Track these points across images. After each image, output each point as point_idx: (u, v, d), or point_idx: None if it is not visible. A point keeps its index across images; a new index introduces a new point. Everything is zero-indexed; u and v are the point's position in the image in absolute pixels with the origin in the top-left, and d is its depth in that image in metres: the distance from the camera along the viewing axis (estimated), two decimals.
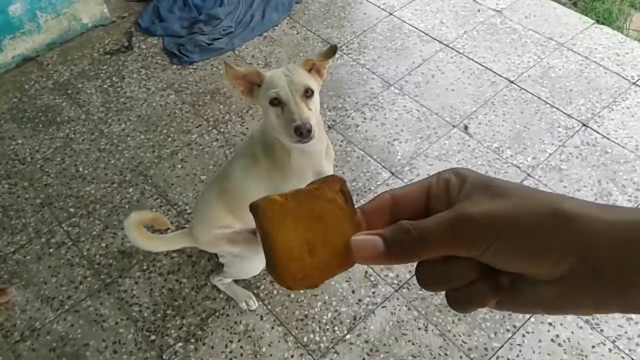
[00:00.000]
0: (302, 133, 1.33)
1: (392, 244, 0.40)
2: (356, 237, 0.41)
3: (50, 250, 2.18)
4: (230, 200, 1.74)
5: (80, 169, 2.44)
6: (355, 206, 0.44)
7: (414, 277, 1.86)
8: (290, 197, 0.42)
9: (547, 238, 0.36)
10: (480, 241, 0.37)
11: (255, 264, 1.92)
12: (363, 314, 1.95)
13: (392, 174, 2.35)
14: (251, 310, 1.99)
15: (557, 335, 1.87)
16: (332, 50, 1.47)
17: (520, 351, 1.84)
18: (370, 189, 2.30)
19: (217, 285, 2.03)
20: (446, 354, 1.84)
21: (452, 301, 0.41)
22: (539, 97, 2.60)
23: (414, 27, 3.01)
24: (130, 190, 2.35)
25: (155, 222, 1.99)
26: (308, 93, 1.40)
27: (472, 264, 0.39)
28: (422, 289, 1.94)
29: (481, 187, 0.40)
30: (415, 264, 0.42)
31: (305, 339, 1.90)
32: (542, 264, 0.37)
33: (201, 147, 2.50)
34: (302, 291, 2.01)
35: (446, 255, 0.39)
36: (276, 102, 1.39)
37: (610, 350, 1.83)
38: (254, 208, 0.42)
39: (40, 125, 2.64)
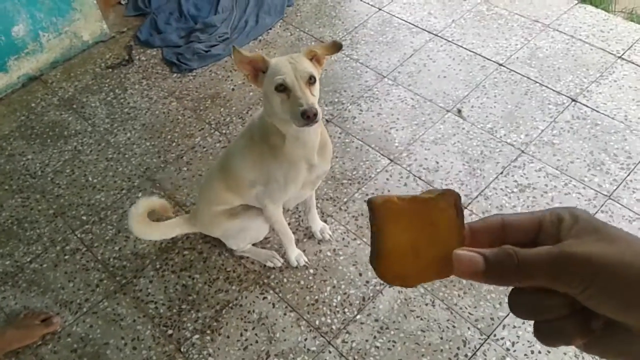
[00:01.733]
0: (309, 116, 1.40)
1: (492, 265, 0.41)
2: (460, 250, 0.43)
3: (66, 257, 2.25)
4: (229, 178, 1.84)
5: (90, 179, 2.53)
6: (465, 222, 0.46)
7: None
8: (407, 200, 0.45)
9: None
10: (578, 281, 0.38)
11: (257, 231, 2.05)
12: (371, 294, 2.01)
13: (391, 160, 2.42)
14: (277, 267, 2.11)
15: None
16: (337, 47, 1.54)
17: None
18: (370, 177, 2.37)
19: (242, 254, 2.16)
20: (454, 326, 1.90)
21: (540, 333, 0.42)
22: (528, 77, 2.67)
23: (403, 20, 3.09)
24: (139, 195, 2.42)
25: (160, 208, 2.05)
26: (311, 80, 1.47)
27: (566, 300, 0.39)
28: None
29: (592, 229, 0.40)
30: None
31: (317, 322, 1.96)
32: (637, 316, 0.37)
33: (205, 149, 2.59)
34: (309, 271, 2.08)
35: (543, 287, 0.40)
36: (282, 88, 1.45)
37: None
38: (371, 204, 0.45)
39: (49, 140, 2.73)
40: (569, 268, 0.38)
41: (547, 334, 0.42)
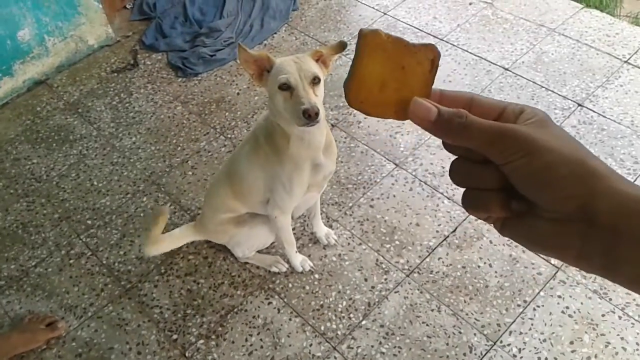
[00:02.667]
0: (310, 115, 1.39)
1: (443, 118, 0.45)
2: (419, 98, 0.47)
3: (71, 261, 2.25)
4: (235, 186, 1.83)
5: (95, 183, 2.53)
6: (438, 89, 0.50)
7: (424, 263, 1.94)
8: (392, 40, 0.48)
9: (566, 175, 0.41)
10: (511, 150, 0.42)
11: (264, 238, 2.05)
12: (377, 300, 2.01)
13: (396, 165, 2.41)
14: (282, 272, 2.11)
15: (567, 307, 1.92)
16: (342, 46, 1.54)
17: (532, 324, 1.89)
18: (375, 181, 2.36)
19: (246, 261, 2.15)
20: (460, 332, 1.89)
21: (467, 199, 0.47)
22: (534, 82, 2.66)
23: (408, 24, 3.09)
24: (144, 199, 2.43)
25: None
26: (315, 80, 1.47)
27: (497, 174, 0.44)
28: (431, 273, 1.99)
29: (542, 124, 0.44)
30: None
31: (322, 328, 1.95)
32: (552, 195, 0.41)
33: (210, 154, 2.58)
34: (314, 276, 2.07)
35: (480, 156, 0.45)
36: (285, 87, 1.45)
37: (620, 317, 1.87)
38: (361, 33, 0.48)
39: (54, 144, 2.73)
40: (506, 139, 0.42)
41: (473, 201, 0.46)
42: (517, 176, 0.43)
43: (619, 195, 0.40)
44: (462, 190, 0.47)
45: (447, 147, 0.48)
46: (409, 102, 0.47)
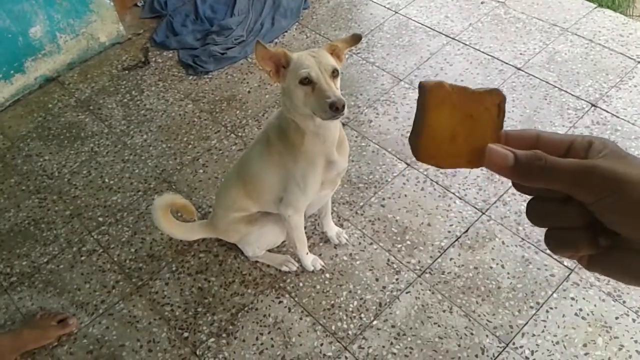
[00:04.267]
0: (338, 108, 1.38)
1: (522, 162, 0.44)
2: (494, 145, 0.46)
3: (82, 258, 2.25)
4: (247, 184, 1.83)
5: (106, 180, 2.53)
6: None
7: (436, 263, 1.93)
8: (457, 89, 0.48)
9: None
10: (598, 189, 0.41)
11: (275, 237, 2.05)
12: (388, 300, 2.00)
13: (408, 164, 2.40)
14: (292, 271, 2.11)
15: (581, 309, 1.90)
16: (356, 38, 1.54)
17: (545, 327, 1.87)
18: (387, 181, 2.35)
19: (257, 260, 2.16)
20: (472, 334, 1.88)
21: (551, 239, 0.46)
22: (547, 82, 2.65)
23: (419, 23, 3.08)
24: (156, 197, 2.42)
25: (183, 209, 2.08)
26: (335, 73, 1.46)
27: (582, 211, 0.43)
28: (444, 274, 1.98)
29: (618, 155, 0.43)
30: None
31: (333, 327, 1.95)
32: None
33: (221, 152, 2.58)
34: (325, 275, 2.07)
35: (559, 194, 0.44)
36: (306, 81, 1.44)
37: (634, 320, 1.86)
38: (422, 86, 0.48)
39: (66, 141, 2.74)
40: (593, 178, 0.41)
41: (558, 241, 0.45)
42: (609, 214, 0.42)
43: None
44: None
45: (520, 187, 0.47)
46: (482, 149, 0.47)
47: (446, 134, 0.48)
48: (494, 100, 0.48)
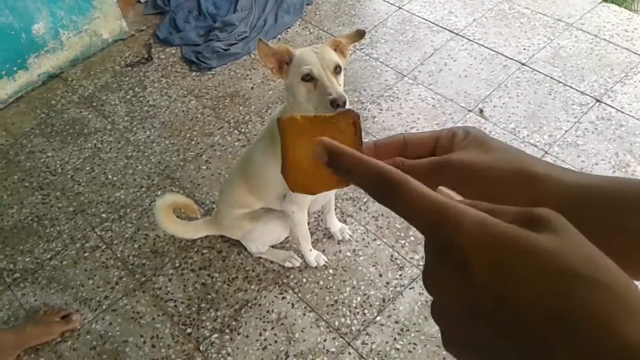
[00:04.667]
0: (339, 105, 1.38)
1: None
2: None
3: (86, 254, 2.25)
4: (251, 181, 1.82)
5: (110, 176, 2.53)
6: (370, 140, 0.50)
7: None
8: (309, 120, 0.49)
9: (504, 190, 0.41)
10: (455, 182, 0.41)
11: (278, 233, 2.04)
12: (391, 296, 2.00)
13: None
14: (295, 267, 2.10)
15: None
16: (360, 34, 1.53)
17: None
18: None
19: (260, 256, 2.15)
20: None
21: None
22: (551, 77, 2.63)
23: (423, 18, 3.07)
24: (159, 193, 2.43)
25: (185, 209, 2.08)
26: (337, 70, 1.46)
27: None
28: None
29: (478, 143, 0.44)
30: None
31: (336, 323, 1.95)
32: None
33: (224, 148, 2.58)
34: (329, 271, 2.06)
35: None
36: (308, 77, 1.44)
37: None
38: (279, 122, 0.49)
39: (69, 138, 2.74)
40: (444, 173, 0.43)
41: None
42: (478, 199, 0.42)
43: (560, 190, 0.40)
44: None
45: None
46: None
47: (309, 163, 0.48)
48: (348, 119, 0.49)
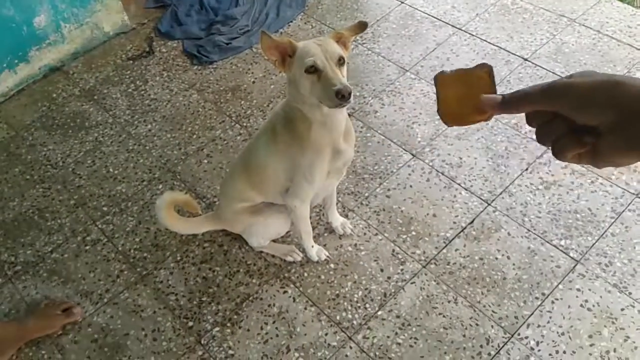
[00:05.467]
0: (344, 96, 1.37)
1: (507, 98, 0.61)
2: (486, 95, 0.64)
3: (87, 247, 2.25)
4: (252, 175, 1.82)
5: (111, 170, 2.53)
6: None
7: (441, 254, 1.93)
8: (454, 72, 0.69)
9: (595, 95, 0.53)
10: (559, 98, 0.55)
11: (279, 227, 2.04)
12: (393, 290, 2.00)
13: (413, 155, 2.39)
14: (297, 262, 2.10)
15: (586, 301, 1.89)
16: (362, 26, 1.53)
17: (550, 317, 1.87)
18: (392, 172, 2.34)
19: (261, 250, 2.15)
20: (477, 324, 1.88)
21: (555, 150, 0.58)
22: (553, 73, 2.63)
23: (426, 13, 3.06)
24: (160, 186, 2.42)
25: (186, 205, 2.08)
26: (341, 61, 1.45)
27: (561, 122, 0.57)
28: (450, 265, 1.97)
29: (583, 74, 0.56)
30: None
31: (338, 317, 1.95)
32: (591, 114, 0.53)
33: (225, 142, 2.58)
34: (330, 265, 2.06)
35: (544, 113, 0.58)
36: (312, 69, 1.42)
37: (639, 312, 1.85)
38: (435, 78, 0.70)
39: (70, 131, 2.73)
40: (552, 91, 0.56)
41: (558, 149, 0.58)
42: (573, 114, 0.55)
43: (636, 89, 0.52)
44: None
45: (528, 121, 0.62)
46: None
47: (455, 102, 0.69)
48: (484, 69, 0.68)
